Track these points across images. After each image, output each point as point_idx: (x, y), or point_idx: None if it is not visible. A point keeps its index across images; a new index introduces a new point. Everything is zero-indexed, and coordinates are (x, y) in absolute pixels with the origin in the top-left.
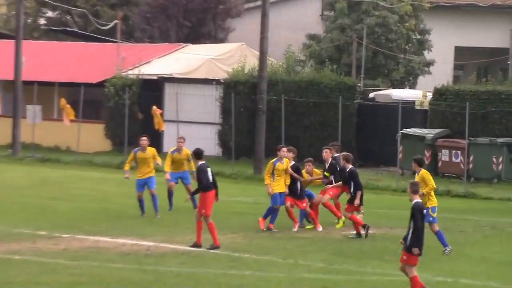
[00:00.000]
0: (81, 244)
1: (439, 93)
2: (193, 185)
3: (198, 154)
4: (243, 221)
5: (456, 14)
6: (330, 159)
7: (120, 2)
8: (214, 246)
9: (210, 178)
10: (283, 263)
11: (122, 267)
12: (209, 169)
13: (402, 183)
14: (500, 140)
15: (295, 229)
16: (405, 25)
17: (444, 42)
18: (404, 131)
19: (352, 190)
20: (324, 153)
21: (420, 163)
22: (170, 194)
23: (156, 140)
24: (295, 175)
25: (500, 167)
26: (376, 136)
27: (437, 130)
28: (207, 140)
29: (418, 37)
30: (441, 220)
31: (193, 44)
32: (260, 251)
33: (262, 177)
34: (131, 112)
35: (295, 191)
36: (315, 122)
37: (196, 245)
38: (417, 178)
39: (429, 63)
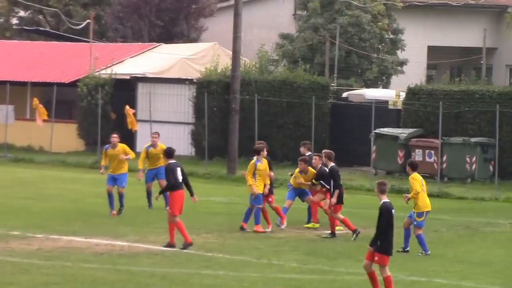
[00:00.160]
0: (54, 244)
1: (413, 93)
2: None
3: (168, 153)
4: (216, 221)
5: (429, 13)
6: (320, 165)
7: (93, 2)
8: (187, 244)
9: (180, 177)
10: (257, 263)
11: (95, 267)
12: (179, 168)
13: (375, 183)
14: (473, 139)
15: (269, 229)
16: (378, 25)
17: (417, 41)
18: (377, 130)
19: (332, 188)
20: (314, 160)
21: (412, 167)
22: (148, 194)
23: (129, 140)
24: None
25: (474, 166)
26: (350, 136)
27: (411, 130)
28: (180, 140)
29: (391, 36)
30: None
31: (166, 43)
32: (233, 251)
33: (235, 177)
34: (104, 112)
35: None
36: (288, 122)
37: (170, 245)
38: None
39: (402, 63)
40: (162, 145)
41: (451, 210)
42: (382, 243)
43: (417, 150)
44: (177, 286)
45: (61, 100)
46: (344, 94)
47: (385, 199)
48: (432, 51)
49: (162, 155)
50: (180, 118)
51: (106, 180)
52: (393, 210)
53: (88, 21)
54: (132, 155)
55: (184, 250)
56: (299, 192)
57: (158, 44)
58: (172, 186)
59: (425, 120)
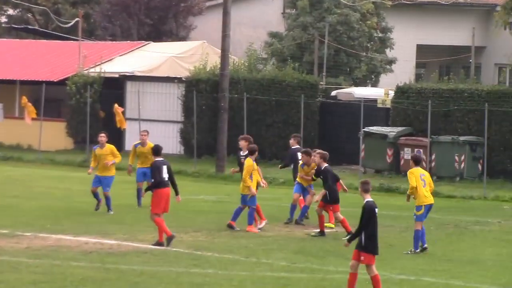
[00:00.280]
0: (43, 242)
1: (401, 91)
2: None
3: (155, 150)
4: (205, 220)
5: (418, 12)
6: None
7: (81, 0)
8: (169, 238)
9: (166, 175)
10: (246, 262)
11: (84, 266)
12: (165, 166)
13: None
14: (462, 138)
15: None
16: (367, 23)
17: (406, 40)
18: (366, 129)
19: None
20: (313, 157)
21: (414, 161)
22: (138, 192)
23: (118, 138)
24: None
25: (462, 165)
26: (338, 134)
27: (399, 128)
28: (169, 139)
29: (380, 35)
30: (404, 218)
31: (155, 42)
32: (222, 249)
33: (224, 175)
34: (93, 110)
35: None
36: (277, 120)
37: (159, 243)
38: None
39: (391, 61)
40: (151, 143)
41: (440, 208)
42: (367, 242)
43: (406, 149)
44: (166, 285)
45: (50, 98)
46: (333, 93)
47: (368, 198)
48: (421, 49)
49: (149, 155)
50: (169, 117)
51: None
52: (376, 209)
53: (77, 19)
54: (118, 159)
55: (155, 247)
56: (304, 189)
57: (147, 42)
58: (155, 183)
59: (414, 119)
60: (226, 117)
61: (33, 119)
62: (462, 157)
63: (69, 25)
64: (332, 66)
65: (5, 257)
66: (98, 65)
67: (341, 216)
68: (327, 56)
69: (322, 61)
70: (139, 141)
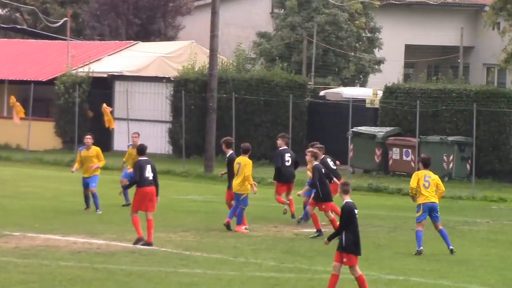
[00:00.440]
0: (32, 242)
1: (390, 91)
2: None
3: (139, 150)
4: (194, 219)
5: (406, 12)
6: (322, 157)
7: (70, 0)
8: (138, 239)
9: (150, 174)
10: (234, 261)
11: (73, 265)
12: (149, 166)
13: (352, 182)
14: (450, 138)
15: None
16: (356, 23)
17: (394, 40)
18: (355, 129)
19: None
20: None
21: (423, 163)
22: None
23: (107, 138)
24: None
25: (451, 165)
26: (327, 134)
27: (388, 129)
28: (158, 138)
29: (369, 35)
30: (392, 218)
31: (143, 41)
32: (211, 249)
33: (212, 175)
34: (81, 110)
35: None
36: (265, 120)
37: (147, 243)
38: None
39: (380, 61)
40: None
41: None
42: (348, 243)
43: (394, 149)
44: (155, 285)
45: (38, 98)
46: (322, 93)
47: (347, 199)
48: (410, 49)
49: None
50: (158, 117)
51: (81, 182)
52: (355, 210)
53: (65, 19)
54: (102, 162)
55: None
56: None
57: (136, 42)
58: (137, 182)
59: (403, 119)
60: (214, 117)
61: (21, 118)
62: (451, 157)
63: (58, 24)
64: (320, 66)
65: None
66: (86, 64)
67: (331, 215)
68: (315, 56)
69: (311, 61)
70: (132, 143)
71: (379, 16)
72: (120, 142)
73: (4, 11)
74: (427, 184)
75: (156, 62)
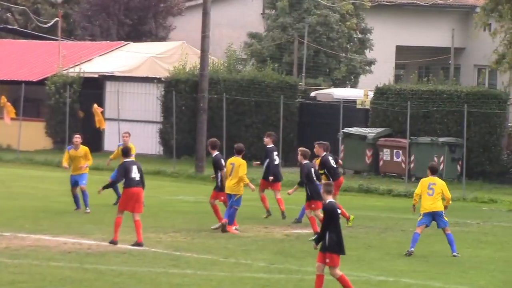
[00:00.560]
0: (22, 242)
1: (381, 92)
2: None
3: (124, 152)
4: (184, 220)
5: (397, 13)
6: (323, 154)
7: (61, 0)
8: (112, 241)
9: (136, 175)
10: (225, 262)
11: (63, 266)
12: (135, 167)
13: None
14: (441, 139)
15: (215, 226)
16: (347, 24)
17: (385, 41)
18: (345, 130)
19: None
20: (315, 149)
21: (431, 170)
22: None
23: (97, 138)
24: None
25: (442, 166)
26: (318, 135)
27: (379, 130)
28: (148, 139)
29: (360, 36)
30: (383, 219)
31: (134, 42)
32: (201, 250)
33: (203, 175)
34: (72, 110)
35: (216, 184)
36: (256, 121)
37: (138, 243)
38: None
39: (371, 62)
40: (132, 145)
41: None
42: (331, 243)
43: (385, 150)
44: (145, 285)
45: (29, 98)
46: (312, 94)
47: (330, 199)
48: (400, 50)
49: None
50: (148, 117)
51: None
52: (338, 210)
53: (56, 19)
54: (90, 161)
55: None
56: None
57: (127, 42)
58: (118, 182)
59: (393, 120)
60: (205, 117)
61: (12, 119)
62: (441, 158)
63: (49, 25)
64: (311, 67)
65: None
66: (77, 65)
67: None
68: (306, 57)
69: (302, 61)
70: (122, 142)
71: (370, 17)
72: (111, 142)
73: None
74: (431, 191)
75: (147, 62)
